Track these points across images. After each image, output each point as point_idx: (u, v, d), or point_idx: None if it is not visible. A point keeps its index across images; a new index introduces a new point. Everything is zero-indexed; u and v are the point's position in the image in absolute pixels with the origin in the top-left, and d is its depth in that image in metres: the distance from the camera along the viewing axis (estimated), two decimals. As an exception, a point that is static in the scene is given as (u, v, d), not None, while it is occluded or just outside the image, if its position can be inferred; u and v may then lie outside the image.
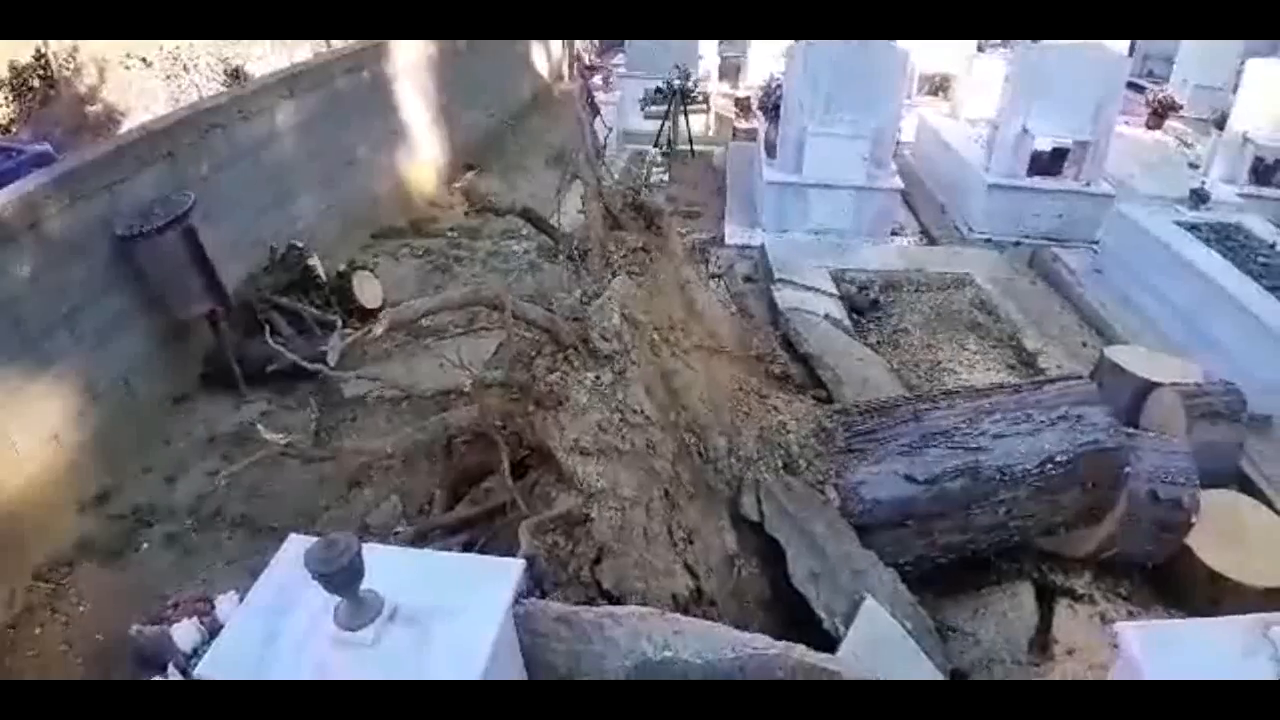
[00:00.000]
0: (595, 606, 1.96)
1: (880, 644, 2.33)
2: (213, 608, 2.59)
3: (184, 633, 2.47)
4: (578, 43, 12.05)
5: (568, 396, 2.40)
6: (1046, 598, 2.87)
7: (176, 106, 6.41)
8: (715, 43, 10.25)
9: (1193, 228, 4.92)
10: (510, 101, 9.84)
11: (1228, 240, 4.80)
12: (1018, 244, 6.14)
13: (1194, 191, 6.28)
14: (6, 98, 7.70)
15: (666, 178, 7.85)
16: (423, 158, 7.35)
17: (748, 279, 5.42)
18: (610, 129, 8.70)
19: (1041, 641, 2.71)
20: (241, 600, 1.69)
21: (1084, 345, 4.66)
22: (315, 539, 1.46)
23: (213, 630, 2.44)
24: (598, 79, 10.90)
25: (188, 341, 4.36)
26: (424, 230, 6.69)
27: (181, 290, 4.02)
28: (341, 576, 1.42)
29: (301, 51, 8.33)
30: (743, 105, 9.56)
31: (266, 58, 8.79)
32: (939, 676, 2.35)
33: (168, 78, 8.41)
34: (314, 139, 5.66)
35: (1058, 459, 2.75)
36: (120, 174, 3.97)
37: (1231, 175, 6.95)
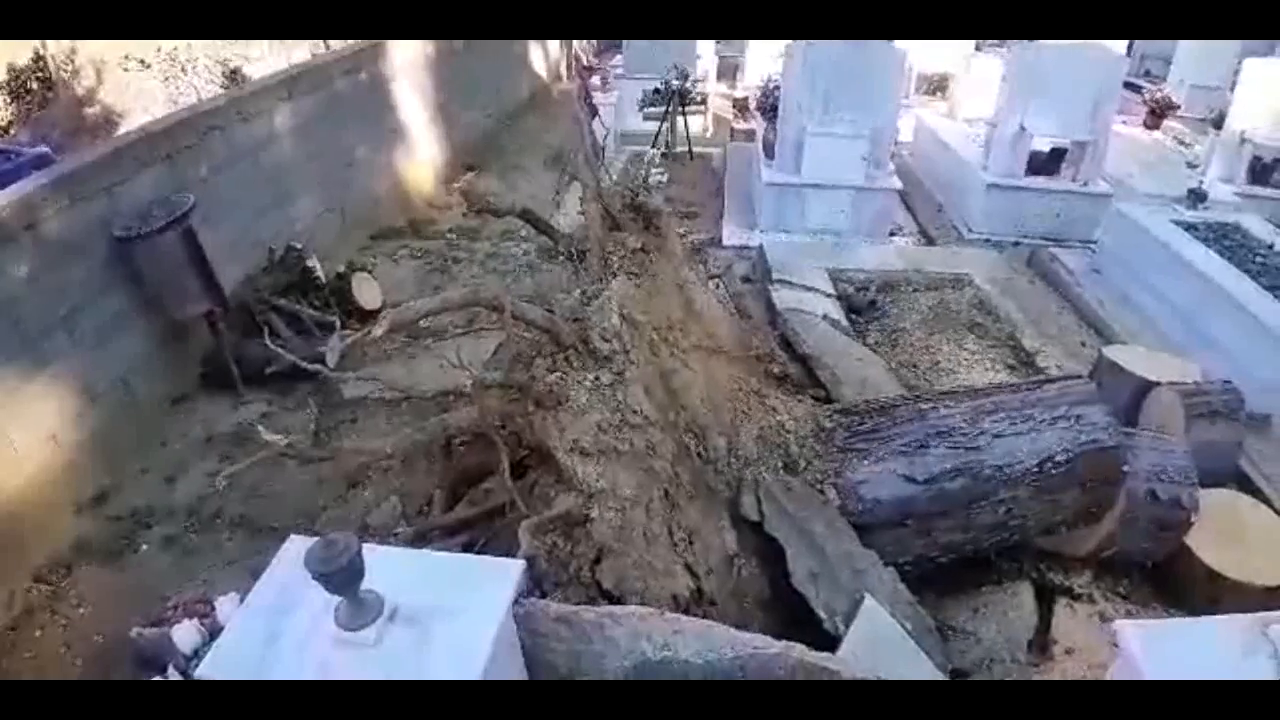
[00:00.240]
0: (595, 606, 1.96)
1: (880, 643, 2.33)
2: (213, 609, 2.58)
3: (184, 634, 2.46)
4: (576, 43, 12.04)
5: (567, 397, 2.40)
6: (1046, 597, 2.88)
7: (175, 108, 6.43)
8: (713, 43, 10.26)
9: (1191, 227, 4.94)
10: (508, 102, 9.83)
11: (1226, 239, 4.81)
12: (1016, 244, 6.15)
13: (1192, 191, 6.29)
14: (5, 100, 7.71)
15: (665, 178, 7.84)
16: (421, 158, 7.35)
17: (746, 279, 5.41)
18: (608, 130, 8.70)
19: (1041, 641, 2.71)
20: (242, 601, 1.70)
21: (1083, 345, 4.66)
22: (315, 539, 1.46)
23: (213, 631, 2.43)
24: (596, 79, 10.89)
25: (186, 342, 4.36)
26: (423, 231, 6.68)
27: (179, 291, 4.02)
28: (341, 577, 1.43)
29: (299, 52, 8.34)
30: (741, 106, 9.58)
31: (265, 59, 8.80)
32: (939, 676, 2.35)
33: (166, 79, 8.42)
34: (312, 140, 5.66)
35: (1057, 458, 2.75)
36: (119, 175, 3.97)
37: (1229, 175, 6.96)
